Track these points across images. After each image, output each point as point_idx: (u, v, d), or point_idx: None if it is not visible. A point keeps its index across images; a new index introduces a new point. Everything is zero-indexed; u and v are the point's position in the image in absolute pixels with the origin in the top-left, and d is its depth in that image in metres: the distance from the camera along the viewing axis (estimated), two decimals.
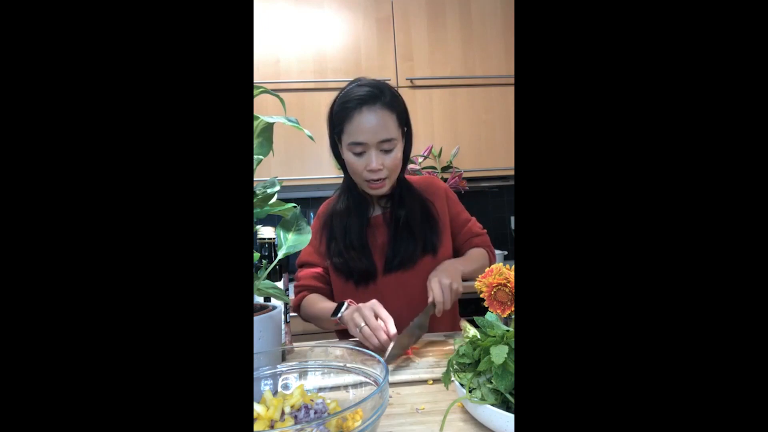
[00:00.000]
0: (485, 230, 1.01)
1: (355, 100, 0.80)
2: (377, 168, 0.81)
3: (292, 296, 0.91)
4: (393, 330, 0.66)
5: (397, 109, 0.83)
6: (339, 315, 0.74)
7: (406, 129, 0.87)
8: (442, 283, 0.74)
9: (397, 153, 0.83)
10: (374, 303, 0.70)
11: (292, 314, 0.83)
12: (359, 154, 0.81)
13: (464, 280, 0.81)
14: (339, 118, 0.83)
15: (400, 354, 0.66)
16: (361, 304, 0.71)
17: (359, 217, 0.89)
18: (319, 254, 0.91)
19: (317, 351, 0.49)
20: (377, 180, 0.82)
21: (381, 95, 0.81)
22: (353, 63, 1.74)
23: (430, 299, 0.73)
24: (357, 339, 0.69)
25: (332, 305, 0.80)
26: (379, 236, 0.89)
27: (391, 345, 0.63)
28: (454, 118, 1.80)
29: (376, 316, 0.68)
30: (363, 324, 0.67)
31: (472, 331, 0.52)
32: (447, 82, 1.79)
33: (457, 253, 0.96)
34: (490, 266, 0.56)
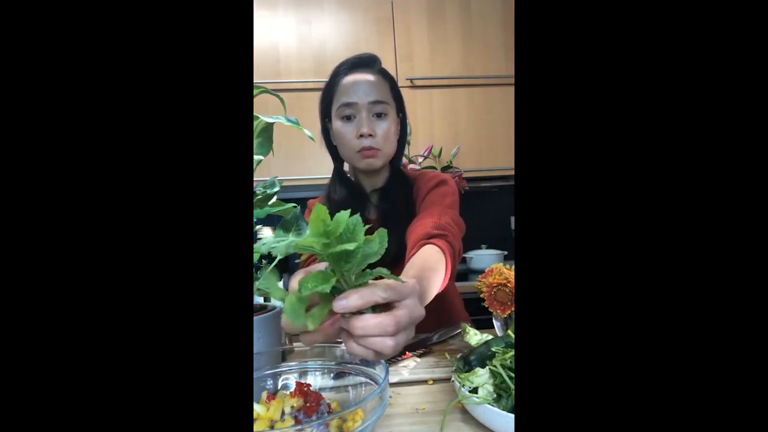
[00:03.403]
0: (447, 233, 0.67)
1: (345, 65, 0.76)
2: (368, 132, 0.73)
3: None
4: None
5: (390, 81, 0.79)
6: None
7: (401, 115, 0.81)
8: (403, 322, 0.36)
9: (390, 124, 0.76)
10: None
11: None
12: (348, 119, 0.75)
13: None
14: (329, 90, 0.78)
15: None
16: None
17: (358, 210, 0.81)
18: None
19: (317, 351, 0.49)
20: (369, 148, 0.74)
21: (373, 62, 0.77)
22: None
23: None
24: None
25: None
26: None
27: None
28: (454, 118, 1.80)
29: None
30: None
31: (471, 332, 0.52)
32: (447, 82, 1.79)
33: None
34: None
